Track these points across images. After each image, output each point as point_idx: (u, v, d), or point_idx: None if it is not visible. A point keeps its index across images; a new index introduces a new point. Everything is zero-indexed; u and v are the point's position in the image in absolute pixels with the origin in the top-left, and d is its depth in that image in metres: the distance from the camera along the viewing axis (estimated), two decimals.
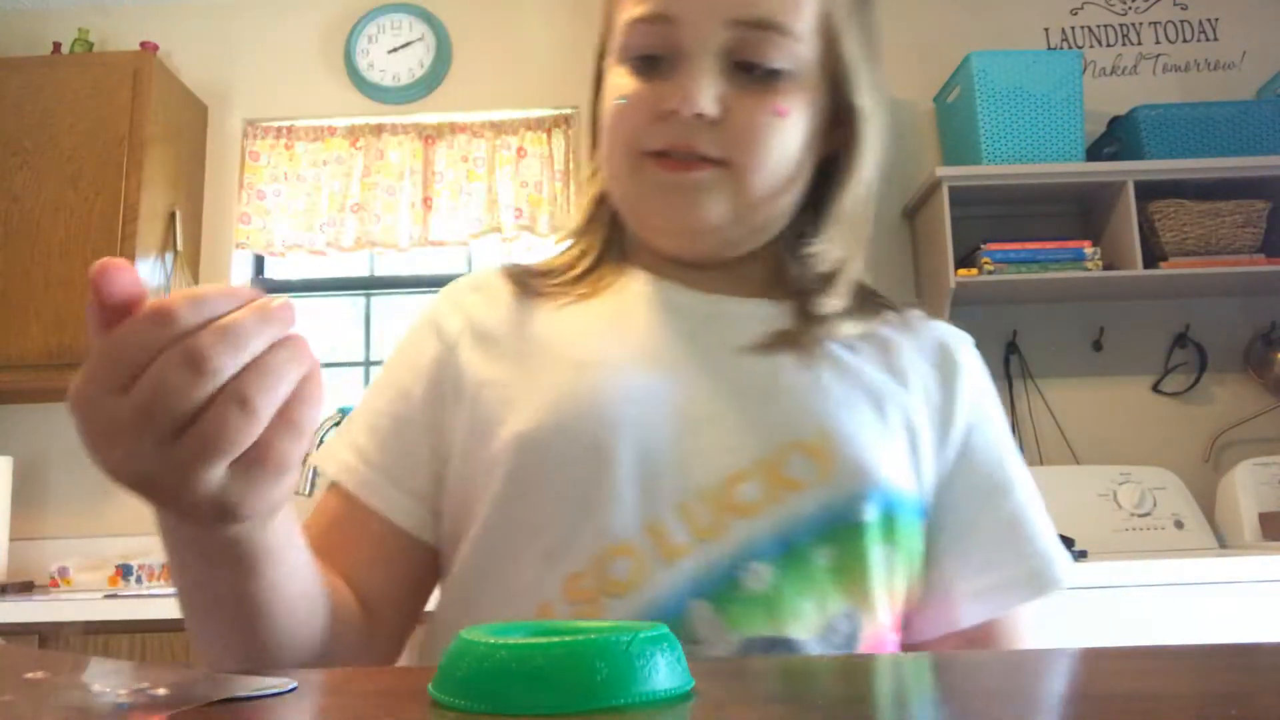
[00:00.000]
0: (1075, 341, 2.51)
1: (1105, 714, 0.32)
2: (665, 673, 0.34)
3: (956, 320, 0.78)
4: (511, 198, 2.61)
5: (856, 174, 0.71)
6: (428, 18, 2.72)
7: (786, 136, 0.66)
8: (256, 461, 0.40)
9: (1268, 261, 2.29)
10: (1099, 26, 2.68)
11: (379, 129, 2.67)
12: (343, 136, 2.67)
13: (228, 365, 0.37)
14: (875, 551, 0.62)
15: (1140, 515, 2.25)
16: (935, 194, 2.35)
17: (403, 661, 0.73)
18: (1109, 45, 2.67)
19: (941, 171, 2.32)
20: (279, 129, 2.70)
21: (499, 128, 2.66)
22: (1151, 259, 2.29)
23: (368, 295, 2.80)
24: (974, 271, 2.27)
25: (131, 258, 2.36)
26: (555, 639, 0.34)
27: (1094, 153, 2.45)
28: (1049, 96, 2.32)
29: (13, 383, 2.37)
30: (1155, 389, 2.49)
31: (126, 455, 0.38)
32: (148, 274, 2.45)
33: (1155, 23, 2.68)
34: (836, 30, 0.67)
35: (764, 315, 0.70)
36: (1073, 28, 2.69)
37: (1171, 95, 2.59)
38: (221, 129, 2.74)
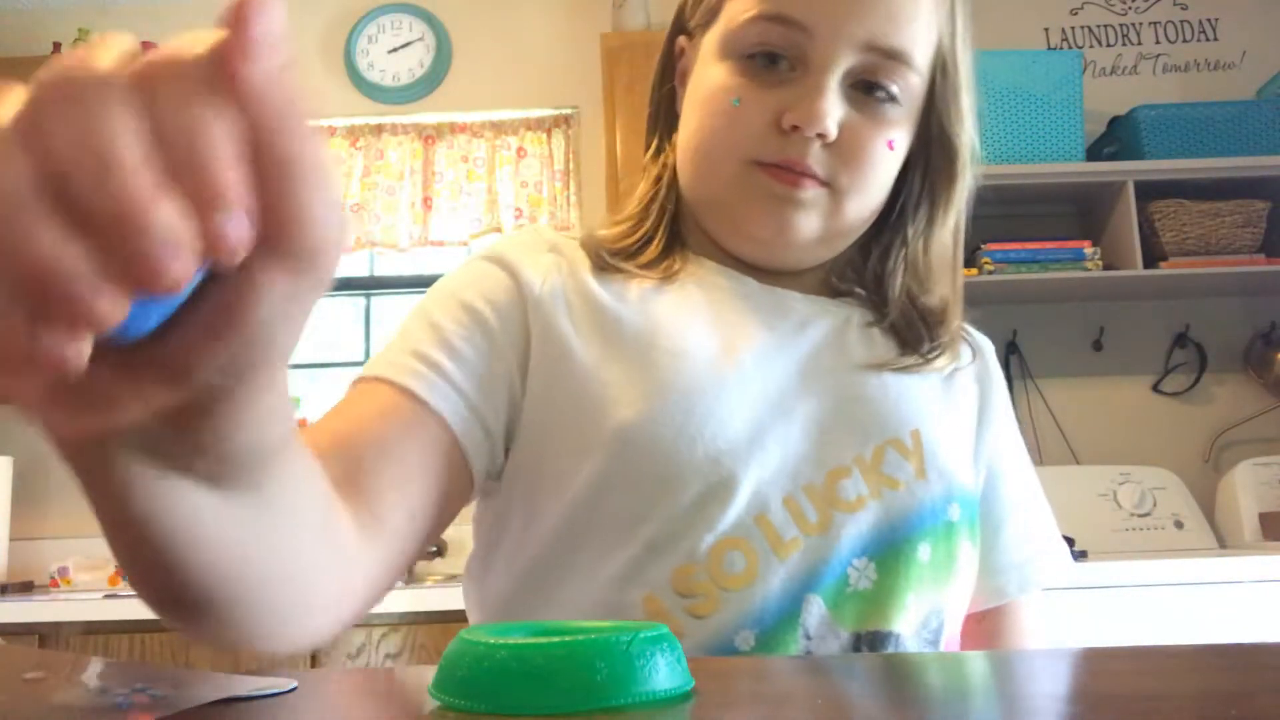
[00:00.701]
0: (1075, 341, 2.51)
1: (1105, 714, 0.32)
2: (665, 673, 0.34)
3: None
4: (511, 198, 2.61)
5: (954, 206, 0.71)
6: (428, 18, 2.72)
7: (890, 168, 0.67)
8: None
9: (1268, 261, 2.29)
10: (1099, 26, 2.68)
11: (379, 129, 2.67)
12: (342, 136, 2.67)
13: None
14: (963, 549, 0.65)
15: (1140, 515, 2.25)
16: None
17: (402, 660, 0.72)
18: (1109, 45, 2.67)
19: None
20: None
21: (499, 128, 2.67)
22: (1151, 259, 2.29)
23: (368, 295, 2.80)
24: (974, 271, 2.27)
25: None
26: (555, 639, 0.34)
27: (1094, 153, 2.45)
28: (1049, 96, 2.32)
29: None
30: (1155, 389, 2.49)
31: None
32: None
33: (1155, 23, 2.68)
34: (945, 63, 0.67)
35: (842, 315, 0.71)
36: (1073, 28, 2.69)
37: (1171, 95, 2.59)
38: None
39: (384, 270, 2.80)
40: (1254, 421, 2.46)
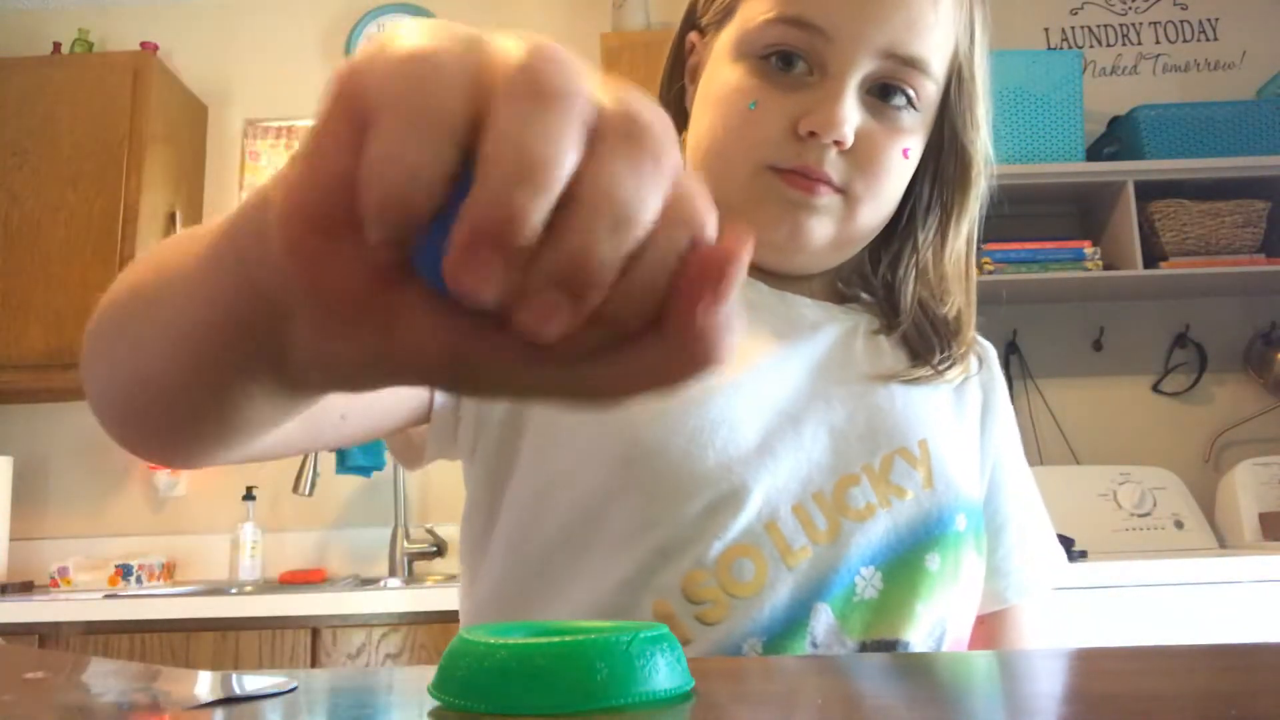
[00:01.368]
0: (1075, 341, 2.51)
1: (1105, 714, 0.32)
2: (665, 673, 0.34)
3: None
4: None
5: (968, 214, 0.71)
6: (427, 17, 2.72)
7: (904, 176, 0.67)
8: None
9: (1268, 261, 2.29)
10: (1099, 26, 2.68)
11: None
12: None
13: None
14: (969, 559, 0.65)
15: (1140, 515, 2.25)
16: None
17: (402, 660, 0.72)
18: (1109, 45, 2.67)
19: None
20: (279, 129, 2.70)
21: None
22: (1151, 259, 2.29)
23: None
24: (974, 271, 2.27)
25: (131, 259, 2.35)
26: (555, 639, 0.34)
27: (1094, 153, 2.45)
28: (1049, 96, 2.32)
29: (13, 383, 2.37)
30: (1155, 389, 2.49)
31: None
32: None
33: (1155, 23, 2.68)
34: (962, 70, 0.68)
35: (850, 322, 0.70)
36: (1073, 28, 2.69)
37: (1171, 95, 2.59)
38: (221, 129, 2.74)
39: None
40: (1254, 421, 2.46)
